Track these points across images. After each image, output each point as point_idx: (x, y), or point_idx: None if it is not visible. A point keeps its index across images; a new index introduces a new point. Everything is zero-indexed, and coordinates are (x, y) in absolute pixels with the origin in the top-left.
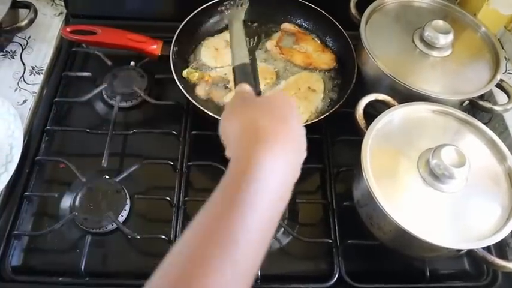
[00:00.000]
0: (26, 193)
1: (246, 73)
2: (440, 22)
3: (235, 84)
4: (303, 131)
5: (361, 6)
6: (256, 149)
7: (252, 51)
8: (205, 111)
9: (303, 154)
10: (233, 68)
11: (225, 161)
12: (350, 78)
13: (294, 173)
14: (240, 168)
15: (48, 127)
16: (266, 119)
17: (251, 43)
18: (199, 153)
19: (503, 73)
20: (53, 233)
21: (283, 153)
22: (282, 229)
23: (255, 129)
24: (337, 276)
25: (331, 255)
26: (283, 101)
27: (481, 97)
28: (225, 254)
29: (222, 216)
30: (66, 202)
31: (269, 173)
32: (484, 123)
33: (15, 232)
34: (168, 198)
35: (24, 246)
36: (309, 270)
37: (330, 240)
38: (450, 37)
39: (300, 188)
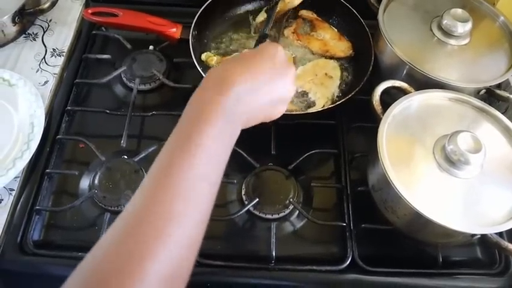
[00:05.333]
0: (47, 170)
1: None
2: (459, 10)
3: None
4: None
5: None
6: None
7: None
8: None
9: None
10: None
11: (242, 145)
12: (367, 66)
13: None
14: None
15: (68, 107)
16: (237, 64)
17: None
18: None
19: None
20: (73, 210)
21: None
22: (297, 212)
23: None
24: (350, 259)
25: (344, 239)
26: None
27: (498, 86)
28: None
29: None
30: (85, 180)
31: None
32: (501, 113)
33: (37, 208)
34: None
35: (45, 222)
36: (322, 253)
37: (344, 224)
38: (468, 26)
39: (314, 173)
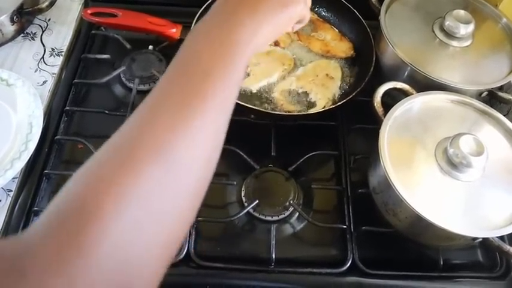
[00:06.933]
0: (46, 171)
1: None
2: (461, 12)
3: None
4: None
5: None
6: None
7: None
8: None
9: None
10: None
11: (242, 146)
12: (368, 67)
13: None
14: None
15: (67, 108)
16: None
17: None
18: None
19: None
20: None
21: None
22: (297, 214)
23: None
24: (350, 262)
25: (345, 241)
26: None
27: (500, 88)
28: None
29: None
30: None
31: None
32: (503, 115)
33: (35, 209)
34: None
35: None
36: (322, 256)
37: (344, 226)
38: (471, 27)
39: (315, 175)
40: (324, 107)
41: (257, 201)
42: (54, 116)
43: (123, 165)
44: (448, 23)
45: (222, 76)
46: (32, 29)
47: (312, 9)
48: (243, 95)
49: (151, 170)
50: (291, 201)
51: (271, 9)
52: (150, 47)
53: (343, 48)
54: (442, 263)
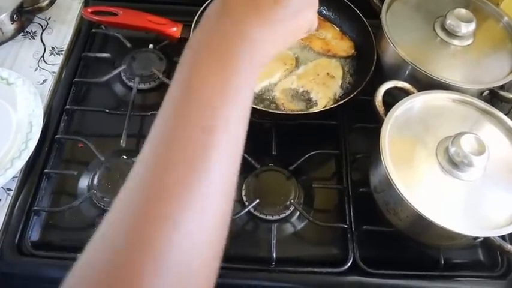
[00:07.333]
0: (46, 170)
1: None
2: (463, 10)
3: None
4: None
5: None
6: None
7: None
8: None
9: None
10: None
11: (246, 145)
12: (369, 66)
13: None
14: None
15: (67, 106)
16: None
17: None
18: None
19: None
20: (71, 210)
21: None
22: (298, 213)
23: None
24: (351, 261)
25: (345, 241)
26: None
27: (502, 87)
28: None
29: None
30: (84, 180)
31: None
32: (505, 114)
33: (35, 208)
34: None
35: (43, 222)
36: (323, 255)
37: (345, 226)
38: (472, 26)
39: (316, 174)
40: (325, 106)
41: (258, 200)
42: (54, 115)
43: (133, 231)
44: (449, 21)
45: (228, 114)
46: (32, 27)
47: None
48: None
49: (164, 235)
50: (292, 201)
51: (281, 18)
52: (151, 45)
53: (344, 47)
54: (443, 262)
